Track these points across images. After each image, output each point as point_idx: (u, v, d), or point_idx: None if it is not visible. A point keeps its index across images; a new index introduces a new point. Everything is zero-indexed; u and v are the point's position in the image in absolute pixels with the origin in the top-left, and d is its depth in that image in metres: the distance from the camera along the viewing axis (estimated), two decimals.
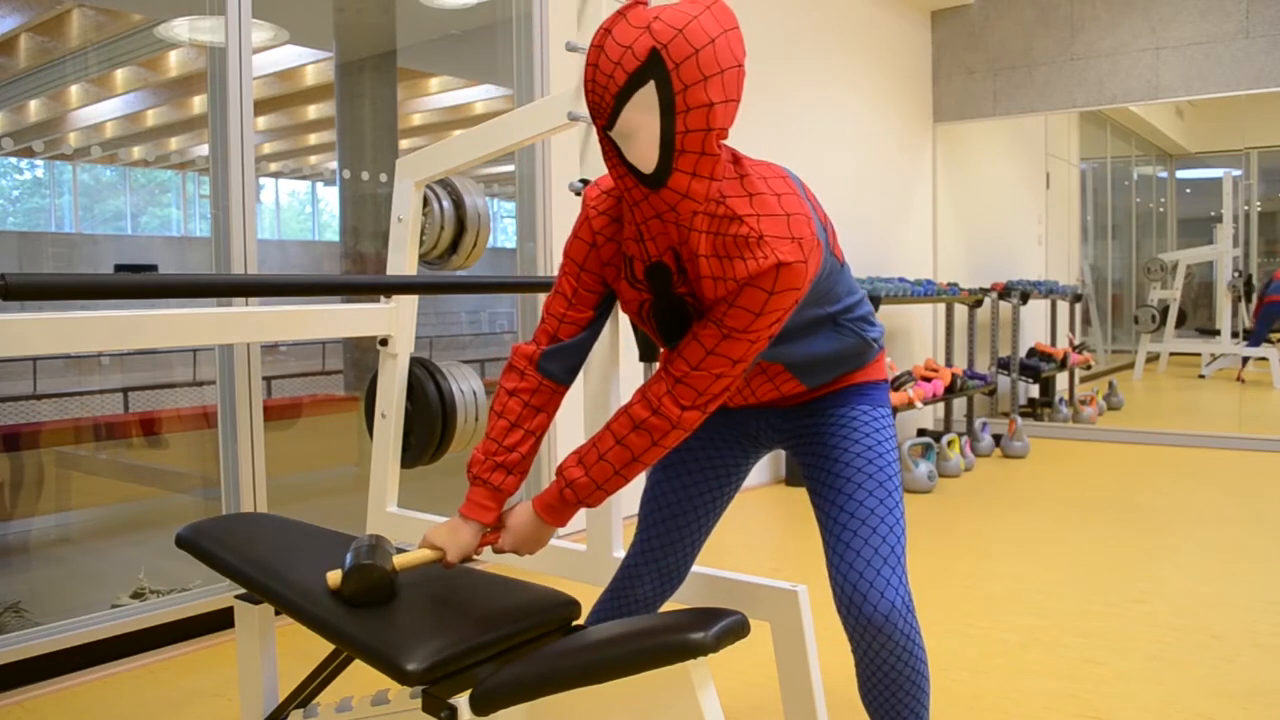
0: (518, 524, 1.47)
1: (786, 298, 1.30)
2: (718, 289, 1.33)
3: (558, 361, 1.49)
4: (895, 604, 1.42)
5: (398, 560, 1.50)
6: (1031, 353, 6.78)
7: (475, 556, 1.54)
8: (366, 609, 1.44)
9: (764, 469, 5.15)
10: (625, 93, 1.21)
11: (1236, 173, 6.34)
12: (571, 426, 3.99)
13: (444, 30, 4.47)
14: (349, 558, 1.46)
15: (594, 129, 1.32)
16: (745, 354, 1.34)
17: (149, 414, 3.67)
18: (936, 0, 6.49)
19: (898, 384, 5.07)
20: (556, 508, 1.44)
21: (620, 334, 2.08)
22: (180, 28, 3.35)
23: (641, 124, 1.22)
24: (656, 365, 2.25)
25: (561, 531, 4.08)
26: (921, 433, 6.10)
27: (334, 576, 1.48)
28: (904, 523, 1.50)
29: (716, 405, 1.38)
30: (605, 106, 1.24)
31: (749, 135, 4.93)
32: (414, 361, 2.57)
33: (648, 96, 1.20)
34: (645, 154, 1.23)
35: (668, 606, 2.61)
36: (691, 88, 1.19)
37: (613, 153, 1.27)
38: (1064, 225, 7.19)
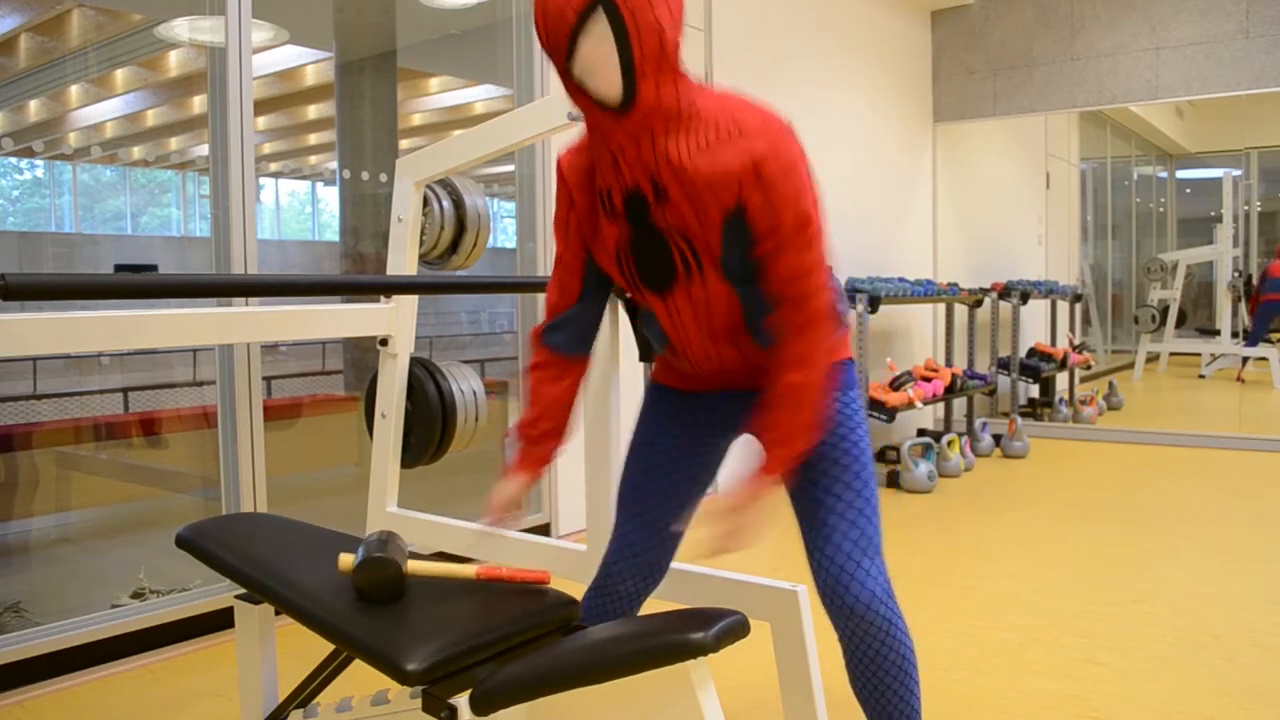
0: (759, 510, 1.41)
1: (801, 170, 1.35)
2: (716, 191, 1.35)
3: (560, 332, 1.56)
4: (875, 592, 1.45)
5: (412, 565, 1.50)
6: (1031, 353, 6.78)
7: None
8: (367, 608, 1.44)
9: None
10: (578, 28, 1.26)
11: (1236, 173, 6.34)
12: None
13: (444, 30, 4.47)
14: (362, 549, 1.47)
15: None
16: (819, 243, 1.38)
17: (149, 414, 3.67)
18: (936, 0, 6.49)
19: (898, 384, 5.07)
20: (797, 458, 1.45)
21: (620, 333, 2.08)
22: (180, 28, 3.35)
23: (599, 56, 1.27)
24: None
25: (562, 531, 4.07)
26: (921, 433, 6.10)
27: (346, 560, 1.49)
28: (879, 509, 1.52)
29: (841, 314, 1.43)
30: (561, 45, 1.28)
31: None
32: (414, 361, 2.57)
33: (600, 28, 1.26)
34: (608, 83, 1.29)
35: (667, 606, 2.61)
36: (639, 12, 1.25)
37: (576, 89, 1.33)
38: (1064, 225, 7.19)
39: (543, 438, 1.54)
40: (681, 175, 1.35)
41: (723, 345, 1.51)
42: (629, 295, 1.55)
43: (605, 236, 1.46)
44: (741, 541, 1.39)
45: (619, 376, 2.07)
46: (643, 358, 2.08)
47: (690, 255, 1.41)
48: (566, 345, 1.56)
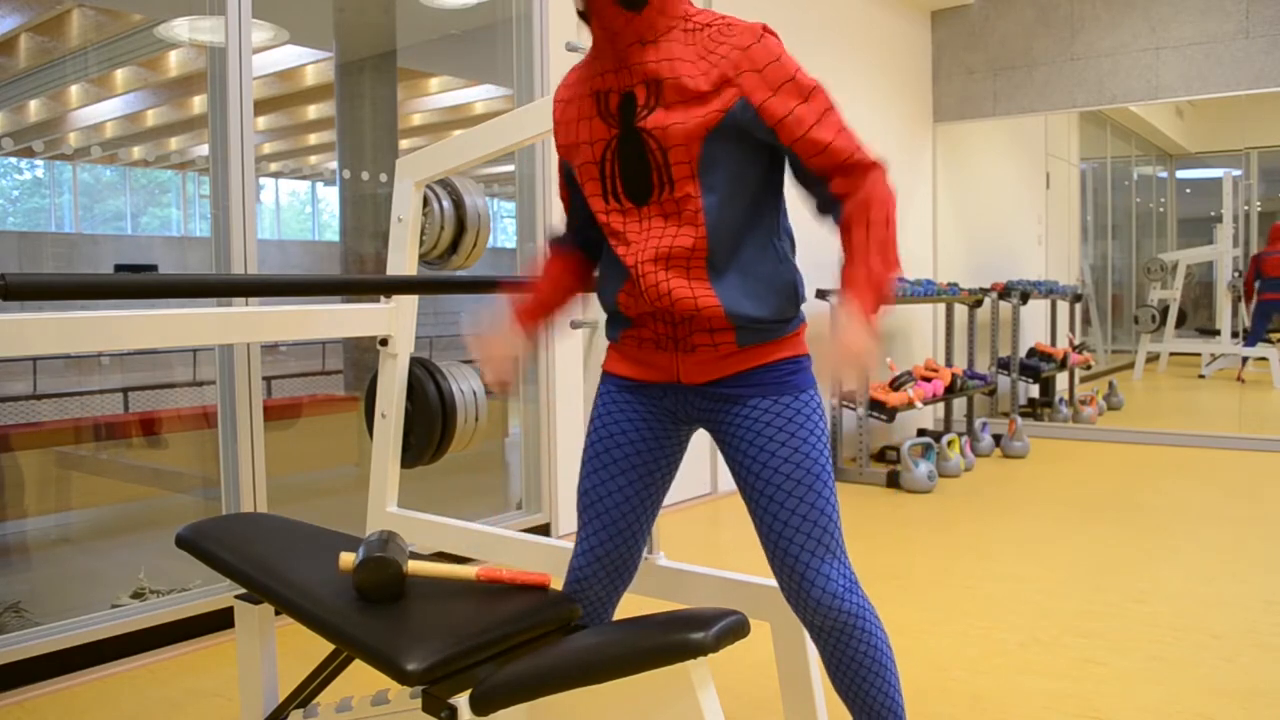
0: (857, 339, 1.39)
1: (788, 56, 1.45)
2: (709, 88, 1.43)
3: (561, 241, 1.73)
4: (836, 590, 1.47)
5: (412, 565, 1.50)
6: (1031, 353, 6.78)
7: None
8: (367, 608, 1.44)
9: None
10: None
11: (1236, 173, 6.34)
12: (572, 433, 3.99)
13: (444, 30, 4.47)
14: (362, 549, 1.47)
15: None
16: (835, 110, 1.47)
17: (149, 414, 3.67)
18: (936, 0, 6.50)
19: (898, 384, 5.07)
20: (885, 295, 1.44)
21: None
22: (180, 28, 3.35)
23: None
24: None
25: (561, 531, 4.07)
26: (921, 433, 6.10)
27: (347, 559, 1.49)
28: (837, 509, 1.52)
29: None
30: None
31: None
32: (414, 361, 2.57)
33: None
34: None
35: (667, 606, 2.61)
36: None
37: None
38: (1064, 225, 7.19)
39: (533, 302, 1.68)
40: (678, 74, 1.43)
41: (676, 276, 1.47)
42: (601, 220, 1.54)
43: (597, 141, 1.51)
44: (863, 372, 1.41)
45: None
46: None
47: (664, 167, 1.45)
48: (564, 242, 1.71)
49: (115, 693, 2.46)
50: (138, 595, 2.82)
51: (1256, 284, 6.30)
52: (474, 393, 2.60)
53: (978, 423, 5.85)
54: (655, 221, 1.48)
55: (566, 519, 3.96)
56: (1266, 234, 6.35)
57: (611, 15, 1.44)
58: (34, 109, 3.65)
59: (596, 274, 1.68)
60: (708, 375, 1.54)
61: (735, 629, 1.24)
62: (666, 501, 4.55)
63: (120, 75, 4.17)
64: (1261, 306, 6.29)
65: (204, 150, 2.98)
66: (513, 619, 1.42)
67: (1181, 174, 7.10)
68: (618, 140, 1.48)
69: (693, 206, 1.45)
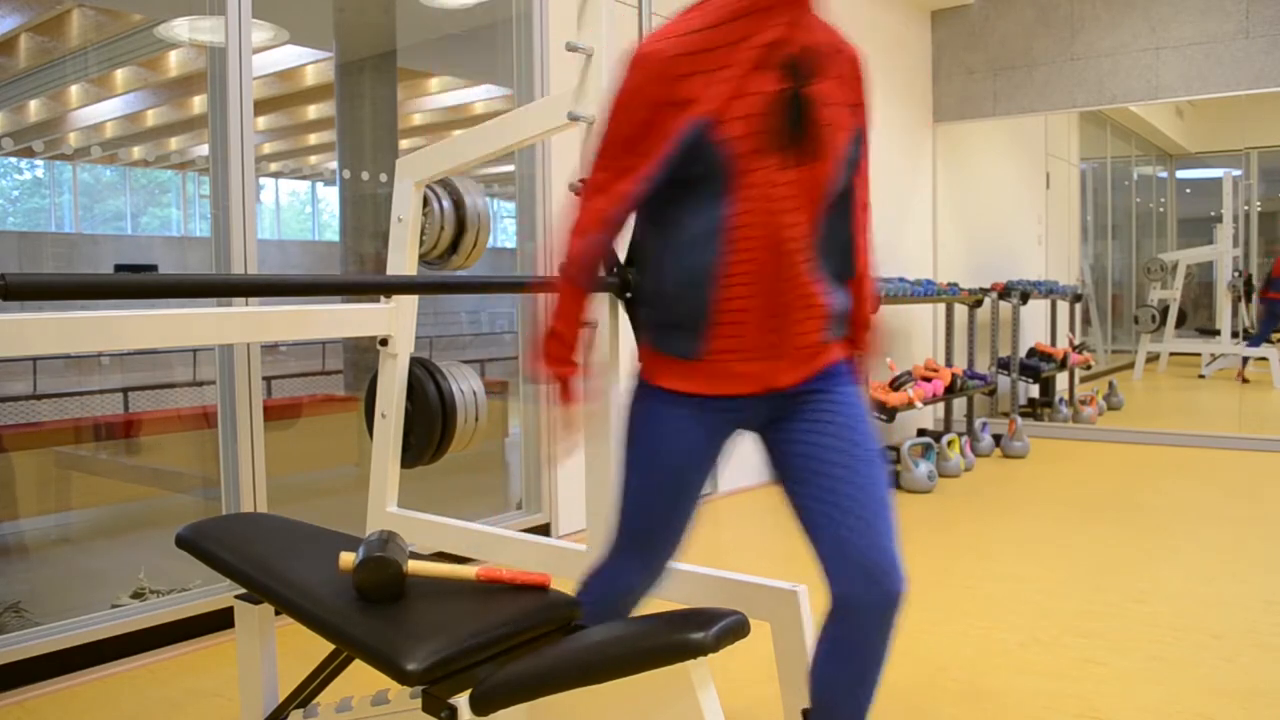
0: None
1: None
2: (854, 83, 1.52)
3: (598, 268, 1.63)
4: (904, 578, 1.44)
5: (412, 565, 1.50)
6: (1031, 353, 6.78)
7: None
8: (367, 608, 1.44)
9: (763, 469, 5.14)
10: None
11: (1236, 173, 6.34)
12: None
13: (444, 30, 4.47)
14: (362, 549, 1.47)
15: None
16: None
17: (149, 414, 3.67)
18: (936, 0, 6.49)
19: (898, 384, 5.07)
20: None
21: (620, 333, 2.08)
22: (180, 28, 3.36)
23: None
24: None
25: (561, 531, 4.06)
26: (921, 433, 6.09)
27: (347, 559, 1.49)
28: None
29: None
30: None
31: None
32: (414, 361, 2.57)
33: None
34: None
35: (667, 606, 2.61)
36: None
37: None
38: (1064, 225, 7.19)
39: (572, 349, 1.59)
40: (838, 53, 1.50)
41: (813, 268, 1.47)
42: (745, 179, 1.42)
43: (763, 93, 1.41)
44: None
45: (619, 376, 2.06)
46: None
47: (825, 140, 1.46)
48: (603, 255, 1.58)
49: (115, 693, 2.46)
50: (138, 595, 2.82)
51: (1258, 284, 6.31)
52: (474, 393, 2.60)
53: (978, 423, 5.85)
54: (800, 178, 1.44)
55: (566, 519, 3.96)
56: (1266, 234, 6.35)
57: None
58: (34, 109, 3.65)
59: (663, 278, 1.51)
60: (799, 376, 1.52)
61: (735, 629, 1.24)
62: None
63: (120, 75, 4.17)
64: (1268, 305, 6.29)
65: (204, 150, 2.98)
66: (513, 619, 1.42)
67: (1181, 174, 7.10)
68: (785, 96, 1.42)
69: (828, 186, 1.48)
